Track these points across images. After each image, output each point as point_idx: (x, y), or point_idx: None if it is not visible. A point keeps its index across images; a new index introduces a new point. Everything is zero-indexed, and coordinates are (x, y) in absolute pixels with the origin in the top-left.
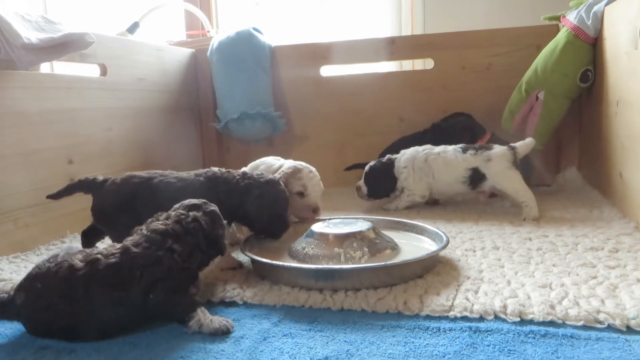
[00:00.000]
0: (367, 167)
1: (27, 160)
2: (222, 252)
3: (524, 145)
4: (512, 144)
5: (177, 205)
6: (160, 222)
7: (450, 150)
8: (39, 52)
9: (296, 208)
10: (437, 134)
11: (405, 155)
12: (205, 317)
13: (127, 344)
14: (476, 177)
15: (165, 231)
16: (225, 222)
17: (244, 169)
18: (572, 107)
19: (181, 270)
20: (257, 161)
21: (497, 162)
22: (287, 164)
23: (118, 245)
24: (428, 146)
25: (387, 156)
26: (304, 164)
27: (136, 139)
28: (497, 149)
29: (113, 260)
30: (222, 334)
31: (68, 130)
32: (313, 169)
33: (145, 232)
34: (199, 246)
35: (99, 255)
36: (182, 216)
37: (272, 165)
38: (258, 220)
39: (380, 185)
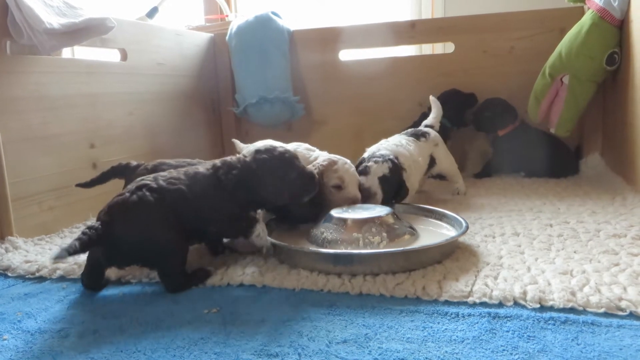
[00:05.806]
0: (378, 171)
1: (50, 144)
2: None
3: (436, 121)
4: (427, 124)
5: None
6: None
7: (409, 140)
8: (61, 37)
9: (334, 201)
10: (478, 123)
11: (400, 156)
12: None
13: (150, 324)
14: (431, 164)
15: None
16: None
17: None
18: (596, 92)
19: None
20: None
21: (442, 146)
22: (322, 156)
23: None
24: (393, 140)
25: (382, 157)
26: (337, 156)
27: (156, 123)
28: (432, 133)
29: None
30: None
31: (90, 114)
32: (348, 161)
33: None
34: None
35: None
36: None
37: (305, 156)
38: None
39: (396, 193)
